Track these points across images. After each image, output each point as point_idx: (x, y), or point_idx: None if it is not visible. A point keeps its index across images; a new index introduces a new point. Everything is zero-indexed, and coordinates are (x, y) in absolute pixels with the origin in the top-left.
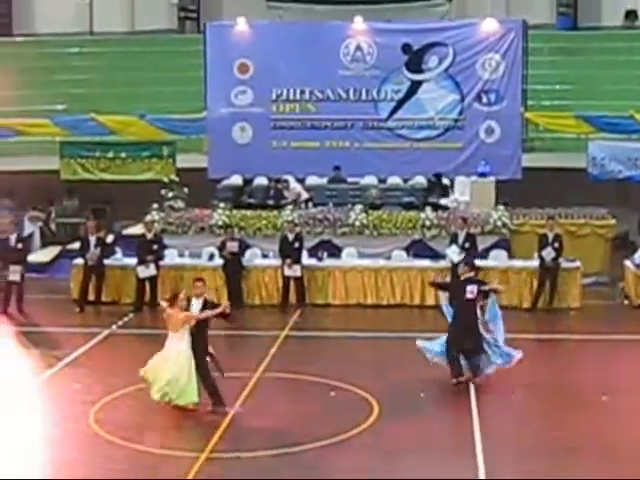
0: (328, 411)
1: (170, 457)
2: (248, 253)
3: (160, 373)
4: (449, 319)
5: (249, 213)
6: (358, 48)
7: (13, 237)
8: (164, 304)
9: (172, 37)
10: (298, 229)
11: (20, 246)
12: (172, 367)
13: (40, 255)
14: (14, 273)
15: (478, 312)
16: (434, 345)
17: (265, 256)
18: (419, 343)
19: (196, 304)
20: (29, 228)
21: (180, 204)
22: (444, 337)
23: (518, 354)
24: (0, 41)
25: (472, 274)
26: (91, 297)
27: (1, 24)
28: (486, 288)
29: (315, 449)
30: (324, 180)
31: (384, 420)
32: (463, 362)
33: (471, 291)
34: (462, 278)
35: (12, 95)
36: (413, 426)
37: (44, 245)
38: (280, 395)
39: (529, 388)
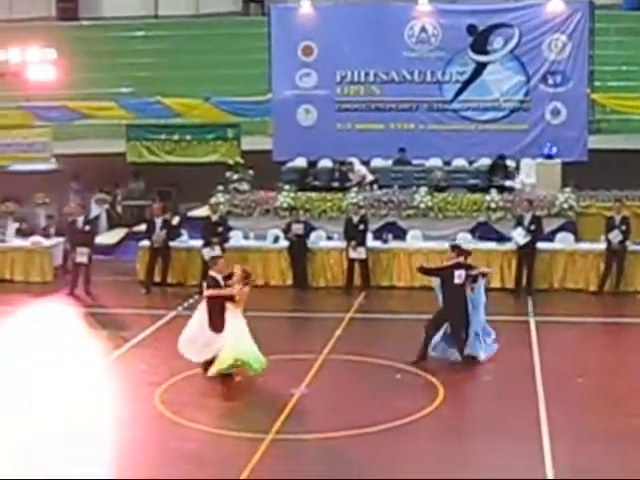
0: (393, 394)
1: (235, 438)
2: (313, 235)
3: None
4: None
5: (314, 195)
6: (423, 29)
7: (80, 219)
8: (235, 284)
9: (236, 20)
10: (363, 211)
11: (87, 228)
12: (248, 338)
13: (107, 237)
14: (81, 255)
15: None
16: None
17: (330, 238)
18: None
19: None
20: (96, 210)
21: (245, 186)
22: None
23: (494, 346)
24: (67, 25)
25: (460, 259)
26: (157, 279)
27: (68, 8)
28: (474, 272)
29: (380, 431)
30: (389, 162)
31: (449, 404)
32: (445, 346)
33: (459, 276)
34: (450, 263)
35: (79, 78)
36: (478, 410)
37: (110, 227)
38: (345, 377)
39: (596, 372)
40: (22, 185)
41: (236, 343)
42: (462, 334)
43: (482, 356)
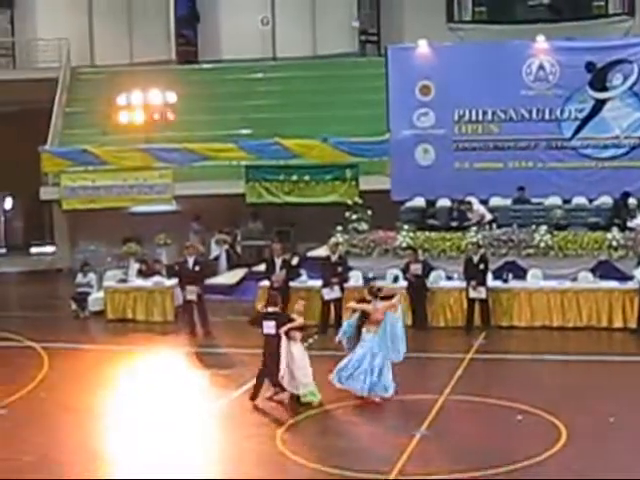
0: (515, 435)
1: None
2: (432, 275)
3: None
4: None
5: (433, 235)
6: (541, 67)
7: (191, 260)
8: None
9: (353, 60)
10: (482, 250)
11: (197, 268)
12: None
13: (226, 277)
14: (191, 293)
15: None
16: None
17: (449, 278)
18: None
19: None
20: (215, 251)
21: (364, 226)
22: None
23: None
24: (187, 68)
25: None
26: None
27: (188, 51)
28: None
29: (501, 474)
30: (508, 201)
31: (572, 446)
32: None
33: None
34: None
35: (198, 120)
36: (602, 453)
37: (230, 267)
38: (466, 418)
39: None
40: (143, 226)
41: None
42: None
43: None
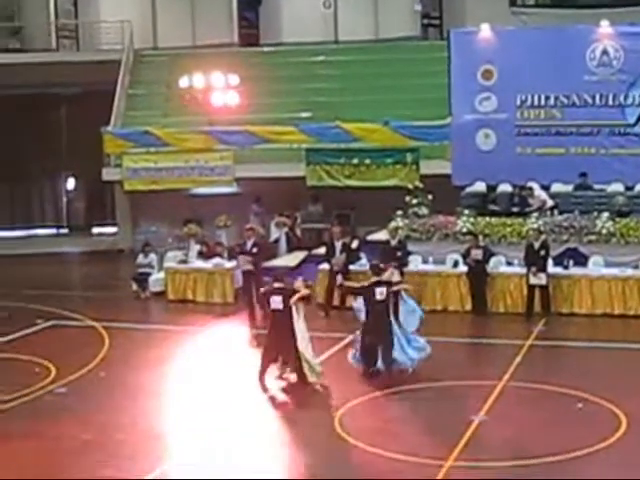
0: (574, 423)
1: (414, 464)
2: (493, 260)
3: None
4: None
5: (493, 220)
6: (604, 52)
7: (250, 242)
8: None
9: (415, 44)
10: (543, 237)
11: (255, 250)
12: None
13: (286, 260)
14: (245, 263)
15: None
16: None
17: (510, 264)
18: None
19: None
20: (275, 233)
21: (424, 210)
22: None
23: (427, 349)
24: (249, 51)
25: (379, 277)
26: (336, 302)
27: (250, 34)
28: (394, 289)
29: (560, 461)
30: (569, 187)
31: (632, 435)
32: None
33: (380, 292)
34: (371, 282)
35: (260, 103)
36: None
37: (290, 250)
38: (525, 405)
39: None
40: (204, 208)
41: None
42: (389, 346)
43: (409, 364)
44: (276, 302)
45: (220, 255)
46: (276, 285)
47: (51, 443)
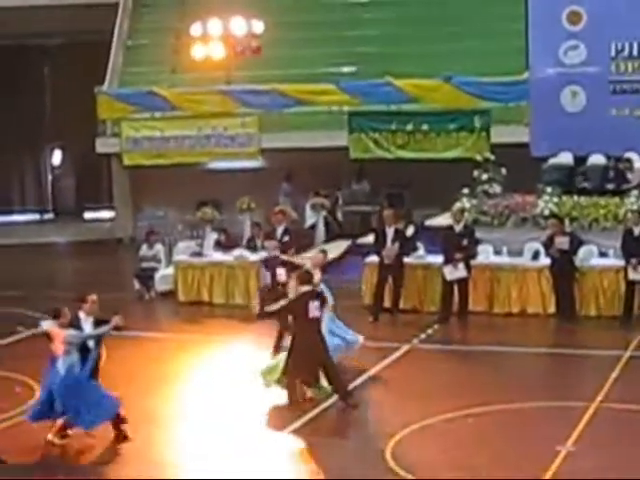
0: None
1: None
2: (582, 251)
3: None
4: None
5: (583, 200)
6: None
7: (280, 229)
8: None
9: None
10: None
11: (286, 239)
12: None
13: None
14: (272, 249)
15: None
16: None
17: (603, 255)
18: None
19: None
20: (311, 218)
21: (496, 189)
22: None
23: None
24: None
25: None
26: (387, 303)
27: None
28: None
29: None
30: None
31: None
32: None
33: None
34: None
35: (291, 56)
36: None
37: (329, 239)
38: (623, 432)
39: None
40: (222, 187)
41: None
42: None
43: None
44: (316, 309)
45: (244, 246)
46: (306, 288)
47: None
